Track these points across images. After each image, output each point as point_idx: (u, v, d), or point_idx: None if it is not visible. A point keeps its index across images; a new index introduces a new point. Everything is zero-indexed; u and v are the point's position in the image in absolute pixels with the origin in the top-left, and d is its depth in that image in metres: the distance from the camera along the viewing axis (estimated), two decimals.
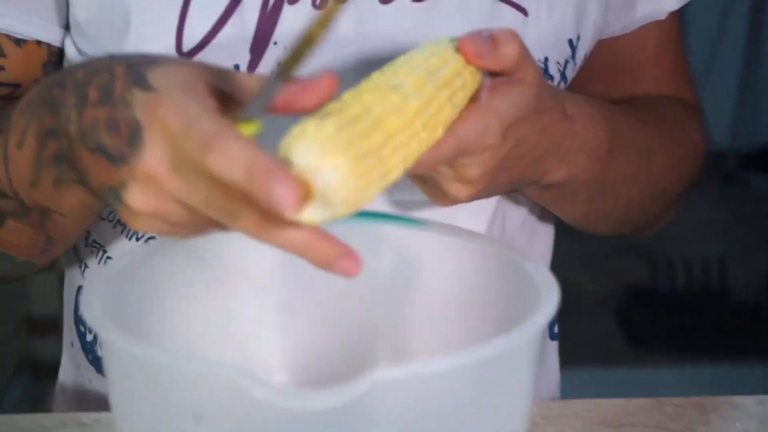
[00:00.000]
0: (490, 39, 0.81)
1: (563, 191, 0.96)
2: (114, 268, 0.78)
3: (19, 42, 0.96)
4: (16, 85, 0.97)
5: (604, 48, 1.07)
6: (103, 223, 1.01)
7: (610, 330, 3.21)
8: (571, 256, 3.58)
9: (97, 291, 0.74)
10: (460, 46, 0.80)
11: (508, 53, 0.81)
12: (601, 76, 1.10)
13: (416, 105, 0.75)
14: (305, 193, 0.67)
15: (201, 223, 0.71)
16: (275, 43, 0.92)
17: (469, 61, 0.80)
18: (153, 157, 0.69)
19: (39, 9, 0.96)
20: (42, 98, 0.81)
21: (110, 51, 0.94)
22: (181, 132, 0.67)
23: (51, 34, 0.97)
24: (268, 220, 0.67)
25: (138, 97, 0.70)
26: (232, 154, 0.65)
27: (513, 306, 0.79)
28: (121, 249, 1.01)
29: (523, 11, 0.96)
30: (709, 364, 2.94)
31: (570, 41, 0.99)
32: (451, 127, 0.79)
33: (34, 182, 0.82)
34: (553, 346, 1.16)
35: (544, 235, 1.12)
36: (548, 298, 0.74)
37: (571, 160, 0.92)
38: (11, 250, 0.90)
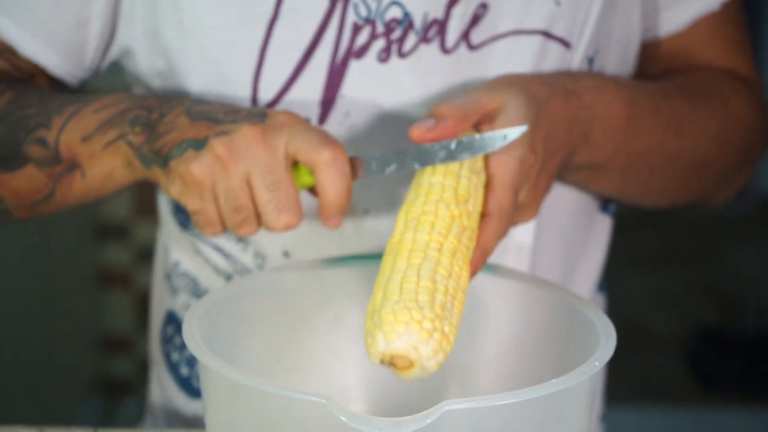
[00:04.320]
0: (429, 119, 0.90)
1: (593, 169, 1.01)
2: (209, 304, 0.87)
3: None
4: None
5: (661, 41, 1.12)
6: (196, 258, 1.10)
7: (679, 370, 3.23)
8: (644, 295, 3.61)
9: (196, 323, 0.83)
10: (412, 136, 0.89)
11: (446, 112, 0.89)
12: (659, 61, 1.14)
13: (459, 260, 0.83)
14: (406, 365, 0.76)
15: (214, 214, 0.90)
16: (343, 96, 1.00)
17: (425, 137, 0.88)
18: (246, 130, 0.88)
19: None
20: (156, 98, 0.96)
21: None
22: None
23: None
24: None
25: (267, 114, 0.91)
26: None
27: (574, 348, 0.86)
28: (209, 280, 1.10)
29: (567, 44, 1.02)
30: None
31: (590, 58, 1.05)
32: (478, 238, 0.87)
33: (87, 137, 0.96)
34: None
35: (585, 270, 1.16)
36: (606, 343, 0.81)
37: (590, 135, 0.97)
38: (6, 193, 1.00)
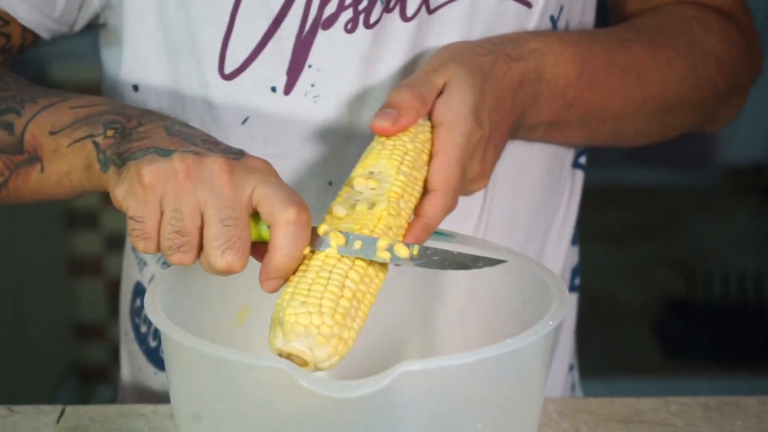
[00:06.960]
0: (387, 108, 0.89)
1: (550, 125, 1.02)
2: (172, 276, 0.89)
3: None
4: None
5: None
6: None
7: (647, 341, 3.26)
8: (611, 268, 3.65)
9: (159, 294, 0.85)
10: (374, 130, 0.88)
11: (403, 101, 0.89)
12: (632, 1, 1.15)
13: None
14: (302, 363, 0.77)
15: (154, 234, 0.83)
16: (309, 66, 1.01)
17: (390, 133, 0.88)
18: (217, 159, 0.83)
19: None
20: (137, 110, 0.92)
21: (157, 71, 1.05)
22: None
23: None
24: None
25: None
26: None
27: (530, 310, 0.88)
28: None
29: (528, 4, 1.04)
30: (743, 375, 2.99)
31: (551, 17, 1.06)
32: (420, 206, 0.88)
33: (57, 131, 0.93)
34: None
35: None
36: (560, 304, 0.83)
37: (538, 96, 0.99)
38: None
